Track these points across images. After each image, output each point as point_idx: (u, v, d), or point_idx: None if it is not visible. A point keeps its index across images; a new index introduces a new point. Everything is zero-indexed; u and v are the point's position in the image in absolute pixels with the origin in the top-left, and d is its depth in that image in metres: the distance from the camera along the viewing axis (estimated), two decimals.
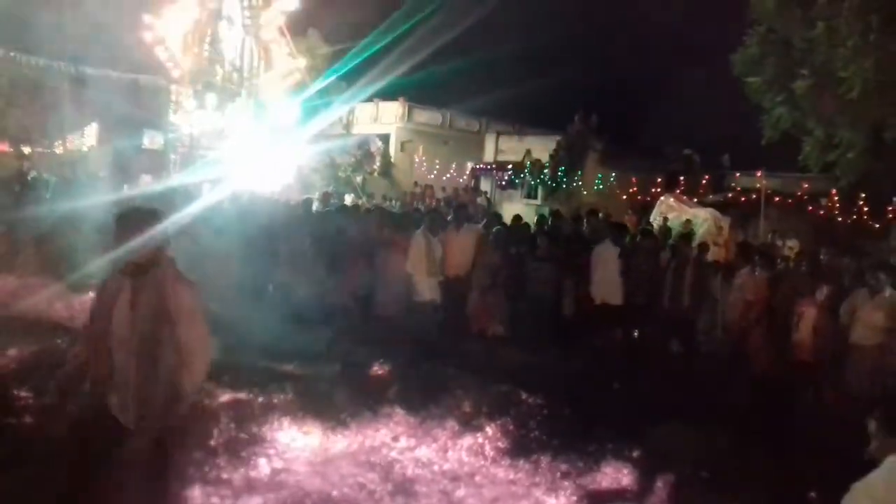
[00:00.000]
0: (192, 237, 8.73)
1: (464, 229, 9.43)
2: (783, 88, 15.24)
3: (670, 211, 15.31)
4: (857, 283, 7.67)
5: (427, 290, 8.53)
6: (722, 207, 15.87)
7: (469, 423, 6.31)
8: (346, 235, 9.90)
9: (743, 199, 17.45)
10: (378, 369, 7.56)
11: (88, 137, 18.40)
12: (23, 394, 5.97)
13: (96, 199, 9.77)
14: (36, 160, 16.56)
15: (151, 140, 18.59)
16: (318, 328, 8.26)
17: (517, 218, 10.51)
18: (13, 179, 11.12)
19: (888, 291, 6.83)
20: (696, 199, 16.58)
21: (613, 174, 19.39)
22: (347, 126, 24.60)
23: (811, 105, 14.65)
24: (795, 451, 6.11)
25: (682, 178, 18.51)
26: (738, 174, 18.96)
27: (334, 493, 5.08)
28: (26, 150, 16.77)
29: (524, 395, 7.07)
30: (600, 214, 12.15)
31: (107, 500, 4.46)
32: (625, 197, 18.78)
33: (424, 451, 5.83)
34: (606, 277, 8.72)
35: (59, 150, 18.31)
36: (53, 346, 7.12)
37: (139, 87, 18.44)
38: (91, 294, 8.07)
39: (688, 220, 13.43)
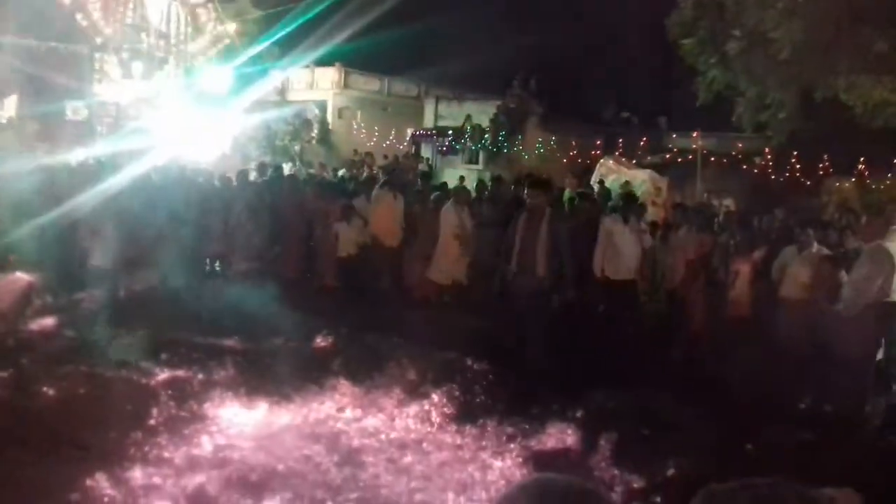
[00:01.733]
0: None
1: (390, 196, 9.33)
2: (716, 50, 15.46)
3: (610, 173, 15.47)
4: (787, 240, 7.88)
5: (457, 265, 8.63)
6: (660, 168, 16.11)
7: (414, 392, 6.30)
8: (284, 206, 9.72)
9: (680, 159, 17.77)
10: (321, 341, 7.47)
11: (7, 109, 17.53)
12: None
13: (17, 172, 9.34)
14: None
15: (75, 111, 17.82)
16: (258, 302, 8.10)
17: (461, 180, 10.47)
18: None
19: (815, 248, 7.02)
20: (634, 161, 16.79)
21: (554, 138, 19.48)
22: (283, 93, 24.04)
23: (743, 66, 14.91)
24: (732, 406, 6.29)
25: (620, 140, 18.72)
26: (674, 135, 19.28)
27: (280, 466, 5.01)
28: None
29: (469, 362, 7.09)
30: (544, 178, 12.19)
31: None
32: (565, 160, 18.90)
33: (370, 421, 5.81)
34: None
35: None
36: None
37: (59, 55, 17.59)
38: (16, 274, 7.79)
39: (626, 182, 13.60)
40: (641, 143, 18.91)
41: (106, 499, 4.43)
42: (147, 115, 17.65)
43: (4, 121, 17.16)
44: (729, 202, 13.54)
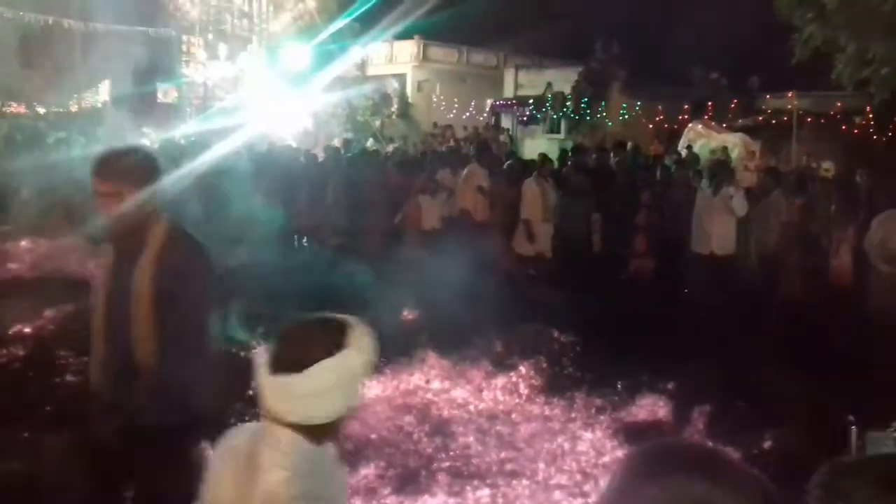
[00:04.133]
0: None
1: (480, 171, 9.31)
2: (814, 4, 14.63)
3: (699, 138, 15.01)
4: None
5: (541, 237, 8.57)
6: (752, 131, 15.51)
7: (502, 363, 6.33)
8: (368, 182, 9.83)
9: (773, 121, 17.00)
10: (409, 315, 7.57)
11: (102, 94, 18.33)
12: (63, 353, 6.07)
13: None
14: (52, 120, 16.58)
15: (165, 94, 18.49)
16: (346, 277, 8.26)
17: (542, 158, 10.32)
18: (32, 141, 11.15)
19: None
20: (724, 125, 16.21)
21: (638, 103, 18.94)
22: (362, 68, 24.22)
23: (843, 20, 14.07)
24: (830, 378, 6.05)
25: (709, 103, 18.05)
26: (767, 96, 18.43)
27: (373, 436, 5.14)
28: (41, 110, 16.79)
29: (557, 334, 7.06)
30: (628, 146, 11.93)
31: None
32: (651, 126, 18.39)
33: (459, 393, 5.88)
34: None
35: (73, 109, 18.29)
36: (89, 306, 7.19)
37: (149, 39, 18.21)
38: None
39: (724, 147, 13.14)
40: (732, 105, 18.17)
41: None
42: (232, 94, 18.12)
43: (100, 105, 17.95)
44: (828, 165, 12.89)
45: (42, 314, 6.84)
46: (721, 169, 8.43)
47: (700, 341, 6.39)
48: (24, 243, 7.54)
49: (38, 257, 7.42)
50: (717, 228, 7.72)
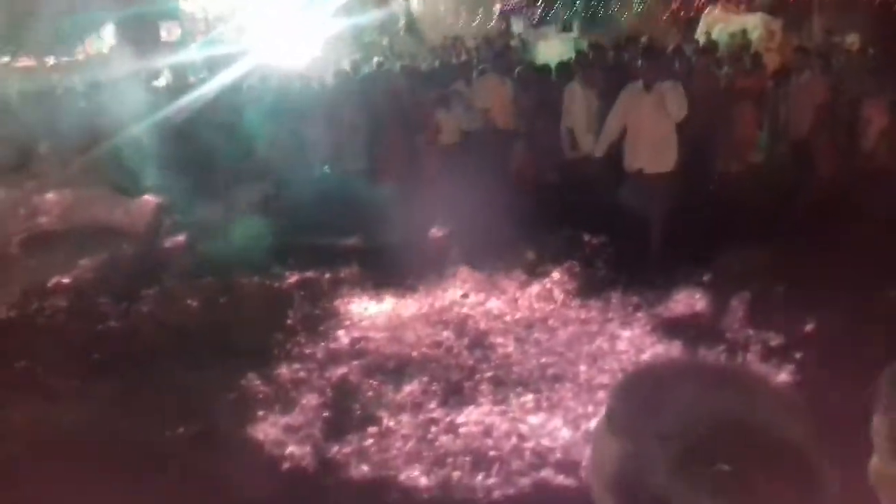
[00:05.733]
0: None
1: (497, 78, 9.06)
2: None
3: (717, 22, 14.47)
4: None
5: (587, 144, 7.99)
6: (773, 10, 14.88)
7: (535, 272, 6.33)
8: (381, 102, 9.67)
9: None
10: (437, 232, 7.57)
11: (106, 38, 18.06)
12: (102, 300, 6.19)
13: (128, 102, 9.68)
14: (62, 69, 16.43)
15: (169, 32, 18.15)
16: (371, 200, 8.24)
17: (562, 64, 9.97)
18: (46, 93, 11.09)
19: None
20: (742, 5, 15.56)
21: None
22: None
23: None
24: (868, 260, 5.96)
25: None
26: None
27: (413, 353, 5.23)
28: (50, 61, 16.62)
29: (587, 238, 7.00)
30: (642, 40, 11.52)
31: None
32: (667, 16, 17.70)
33: (495, 304, 5.92)
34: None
35: (80, 57, 18.10)
36: (122, 253, 7.31)
37: None
38: (144, 197, 8.21)
39: (743, 30, 12.64)
40: None
41: (260, 395, 4.79)
42: (235, 26, 17.77)
43: (105, 51, 17.72)
44: (853, 39, 12.37)
45: (78, 264, 6.94)
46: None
47: (735, 231, 6.30)
48: (50, 196, 7.63)
49: (66, 209, 7.50)
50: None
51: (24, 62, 17.17)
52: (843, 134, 7.53)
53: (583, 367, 4.83)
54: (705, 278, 5.81)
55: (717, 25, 14.34)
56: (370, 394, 4.74)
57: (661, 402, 0.73)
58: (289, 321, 5.75)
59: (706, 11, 15.28)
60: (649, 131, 6.48)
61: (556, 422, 4.26)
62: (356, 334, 5.56)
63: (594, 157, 7.24)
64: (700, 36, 13.61)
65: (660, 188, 6.53)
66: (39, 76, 14.63)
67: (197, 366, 5.04)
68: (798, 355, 4.68)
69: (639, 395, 0.76)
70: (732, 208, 7.10)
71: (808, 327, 5.02)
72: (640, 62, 7.03)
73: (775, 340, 4.93)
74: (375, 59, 13.40)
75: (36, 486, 3.50)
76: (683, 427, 0.70)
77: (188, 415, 4.43)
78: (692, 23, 15.85)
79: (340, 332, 5.58)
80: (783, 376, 4.50)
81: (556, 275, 6.20)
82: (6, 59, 16.99)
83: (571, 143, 8.08)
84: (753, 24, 13.98)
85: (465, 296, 6.09)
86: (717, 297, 5.54)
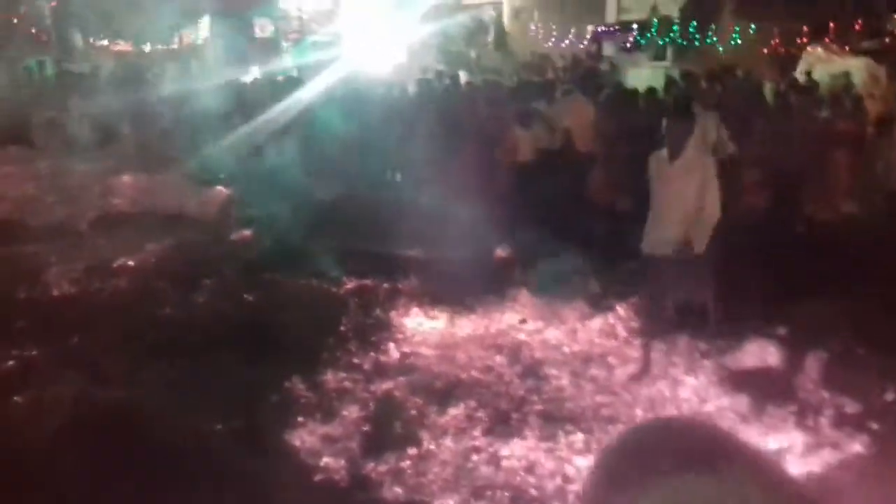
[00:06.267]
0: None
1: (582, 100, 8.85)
2: None
3: (818, 62, 13.87)
4: None
5: None
6: (878, 56, 14.19)
7: (599, 304, 6.06)
8: (460, 114, 9.55)
9: None
10: (502, 252, 7.38)
11: (202, 31, 18.62)
12: (162, 286, 6.23)
13: (216, 93, 9.87)
14: (156, 57, 17.01)
15: (262, 28, 18.58)
16: (439, 212, 8.12)
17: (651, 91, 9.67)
18: (133, 78, 11.45)
19: None
20: (847, 48, 14.90)
21: (753, 26, 17.62)
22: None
23: None
24: None
25: (831, 24, 16.61)
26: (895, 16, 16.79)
27: (463, 375, 5.05)
28: (146, 48, 17.21)
29: None
30: (738, 73, 11.13)
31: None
32: (766, 51, 17.13)
33: (553, 333, 5.69)
34: None
35: (175, 46, 18.71)
36: (188, 241, 7.40)
37: None
38: (217, 188, 8.31)
39: (845, 72, 12.08)
40: (856, 26, 16.66)
41: (303, 400, 4.69)
42: (327, 27, 18.04)
43: (200, 42, 18.25)
44: None
45: (144, 248, 7.04)
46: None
47: (819, 283, 5.89)
48: (125, 178, 7.82)
49: (140, 192, 7.67)
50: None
51: (122, 46, 17.85)
52: None
53: (639, 411, 4.56)
54: (781, 331, 5.42)
55: (818, 65, 13.75)
56: (413, 412, 4.58)
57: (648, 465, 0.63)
58: (341, 327, 5.66)
59: (808, 50, 14.70)
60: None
61: None
62: (407, 349, 5.42)
63: None
64: (800, 75, 13.07)
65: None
66: (133, 61, 15.16)
67: (245, 362, 5.01)
68: (873, 426, 4.29)
69: (628, 456, 0.66)
70: (819, 258, 6.67)
71: (889, 396, 4.61)
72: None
73: (850, 407, 4.54)
74: (460, 73, 13.35)
75: (66, 465, 3.47)
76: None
77: (229, 411, 4.38)
78: (792, 60, 15.27)
79: (391, 345, 5.45)
80: (855, 446, 4.14)
81: (621, 310, 5.91)
82: (104, 42, 17.68)
83: None
84: (857, 67, 13.34)
85: (523, 321, 5.89)
86: (792, 353, 5.14)
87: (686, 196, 5.04)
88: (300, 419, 4.46)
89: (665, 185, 5.15)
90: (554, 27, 21.53)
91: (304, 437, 4.31)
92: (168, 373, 4.77)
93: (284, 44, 18.15)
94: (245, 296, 6.09)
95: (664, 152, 5.17)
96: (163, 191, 7.71)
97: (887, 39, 16.13)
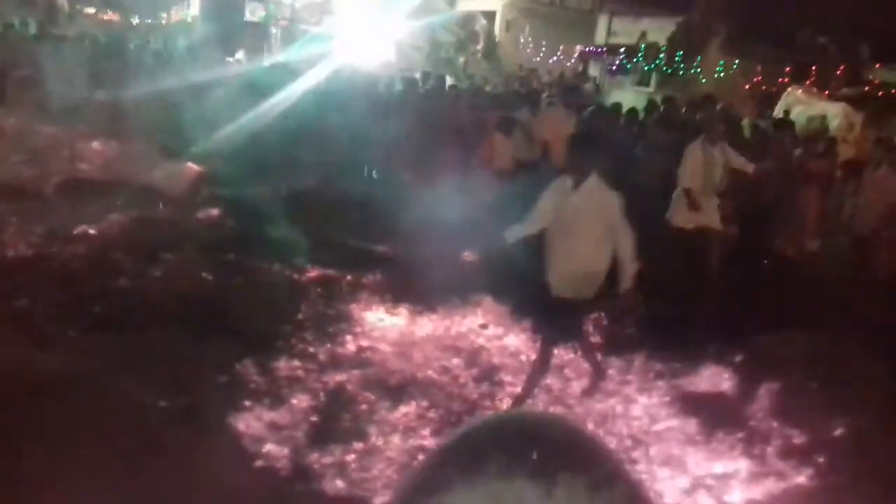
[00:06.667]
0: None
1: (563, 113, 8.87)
2: None
3: (797, 104, 14.11)
4: None
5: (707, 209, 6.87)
6: (856, 103, 14.46)
7: None
8: (441, 116, 9.53)
9: (881, 93, 15.81)
10: (470, 255, 7.35)
11: (192, 8, 18.41)
12: (121, 257, 6.09)
13: (199, 71, 9.72)
14: (143, 30, 16.77)
15: (253, 11, 18.42)
16: (412, 210, 8.07)
17: (631, 111, 9.75)
18: (114, 46, 11.26)
19: None
20: (827, 93, 15.16)
21: (737, 61, 17.88)
22: (451, 2, 23.58)
23: None
24: None
25: (813, 68, 16.90)
26: (878, 65, 17.13)
27: (418, 374, 5.00)
28: (134, 20, 16.96)
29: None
30: (718, 105, 11.24)
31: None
32: (747, 87, 17.36)
33: (512, 341, 5.66)
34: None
35: (164, 22, 18.48)
36: (152, 214, 7.25)
37: None
38: (189, 164, 8.17)
39: (822, 116, 12.28)
40: (838, 72, 16.96)
41: (252, 385, 4.60)
42: (319, 18, 17.93)
43: (189, 19, 18.04)
44: None
45: (107, 217, 6.88)
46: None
47: (781, 315, 5.95)
48: (95, 144, 7.63)
49: (109, 160, 7.49)
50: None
51: (110, 16, 17.58)
52: None
53: (589, 426, 4.54)
54: (737, 359, 5.46)
55: (797, 106, 13.99)
56: (364, 407, 4.52)
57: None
58: (299, 315, 5.57)
59: (788, 91, 14.94)
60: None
61: None
62: (364, 343, 5.35)
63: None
64: (778, 113, 13.28)
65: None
66: (119, 30, 14.91)
67: (197, 340, 4.89)
68: (819, 459, 4.32)
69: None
70: (781, 292, 6.74)
71: (836, 431, 4.65)
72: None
73: (798, 439, 4.57)
74: (445, 76, 13.32)
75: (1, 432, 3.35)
76: None
77: (176, 388, 4.26)
78: (772, 98, 15.50)
79: (348, 338, 5.38)
80: (800, 478, 4.16)
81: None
82: (92, 10, 17.40)
83: (690, 204, 6.91)
84: (834, 112, 13.61)
85: (483, 326, 5.86)
86: (746, 381, 5.19)
87: (585, 233, 4.48)
88: (247, 403, 4.36)
89: (564, 216, 4.50)
90: (544, 43, 21.66)
91: (249, 421, 4.22)
92: (115, 344, 4.64)
93: (273, 30, 18.02)
94: (204, 274, 5.97)
95: (570, 180, 4.56)
96: (133, 161, 7.54)
97: (867, 88, 16.43)
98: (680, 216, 6.89)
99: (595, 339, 5.67)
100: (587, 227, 4.49)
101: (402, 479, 0.65)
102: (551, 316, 4.73)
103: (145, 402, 4.13)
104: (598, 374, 5.03)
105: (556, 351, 4.93)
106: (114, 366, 4.41)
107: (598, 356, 5.16)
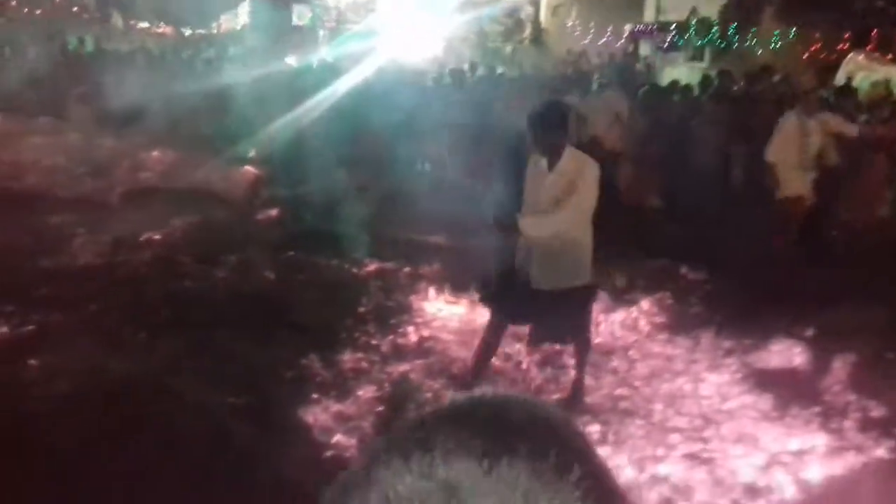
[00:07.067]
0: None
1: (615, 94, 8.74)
2: None
3: (859, 70, 13.57)
4: None
5: (796, 186, 6.64)
6: None
7: (622, 298, 5.95)
8: (489, 106, 9.48)
9: None
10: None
11: (241, 16, 18.75)
12: (186, 260, 6.25)
13: (250, 76, 9.89)
14: (195, 40, 17.17)
15: (300, 16, 18.66)
16: (467, 202, 8.05)
17: (686, 87, 9.52)
18: (172, 56, 11.56)
19: None
20: (890, 57, 14.55)
21: (793, 30, 17.29)
22: None
23: None
24: None
25: (874, 32, 16.23)
26: None
27: None
28: (186, 32, 17.36)
29: (684, 270, 6.58)
30: (775, 75, 10.90)
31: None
32: (806, 56, 16.77)
33: None
34: None
35: (214, 31, 18.87)
36: (214, 218, 7.41)
37: None
38: (246, 168, 8.32)
39: (887, 81, 11.79)
40: None
41: (318, 378, 4.65)
42: (364, 17, 18.05)
43: (239, 28, 18.38)
44: None
45: (170, 223, 7.07)
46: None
47: (851, 287, 5.73)
48: (155, 154, 7.86)
49: (169, 168, 7.70)
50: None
51: (162, 29, 18.05)
52: None
53: (658, 406, 4.46)
54: (809, 332, 5.28)
55: (859, 73, 13.45)
56: (428, 395, 4.52)
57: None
58: (360, 308, 5.62)
59: (849, 58, 14.38)
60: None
61: (620, 459, 3.91)
62: (426, 333, 5.36)
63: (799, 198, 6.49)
64: (840, 81, 12.78)
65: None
66: (174, 43, 15.30)
67: (262, 338, 4.99)
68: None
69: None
70: (852, 263, 6.50)
71: None
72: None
73: (876, 411, 4.40)
74: (494, 66, 13.27)
75: (71, 432, 3.47)
76: None
77: (242, 385, 4.35)
78: (832, 66, 14.95)
79: (410, 328, 5.40)
80: (880, 451, 4.00)
81: (644, 304, 5.81)
82: (145, 24, 17.88)
83: (773, 181, 6.70)
84: None
85: None
86: (820, 355, 5.01)
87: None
88: (314, 396, 4.42)
89: (539, 199, 4.16)
90: (592, 25, 21.33)
91: (317, 413, 4.27)
92: (184, 346, 4.75)
93: (321, 32, 18.23)
94: (266, 273, 6.08)
95: (543, 160, 4.15)
96: (192, 168, 7.74)
97: None
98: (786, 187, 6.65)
99: (659, 314, 5.57)
100: (569, 207, 4.05)
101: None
102: (523, 305, 4.33)
103: (214, 401, 4.22)
104: (577, 394, 4.54)
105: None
106: (182, 366, 4.53)
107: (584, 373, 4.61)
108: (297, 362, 4.77)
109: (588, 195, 4.08)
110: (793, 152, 6.57)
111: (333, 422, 4.21)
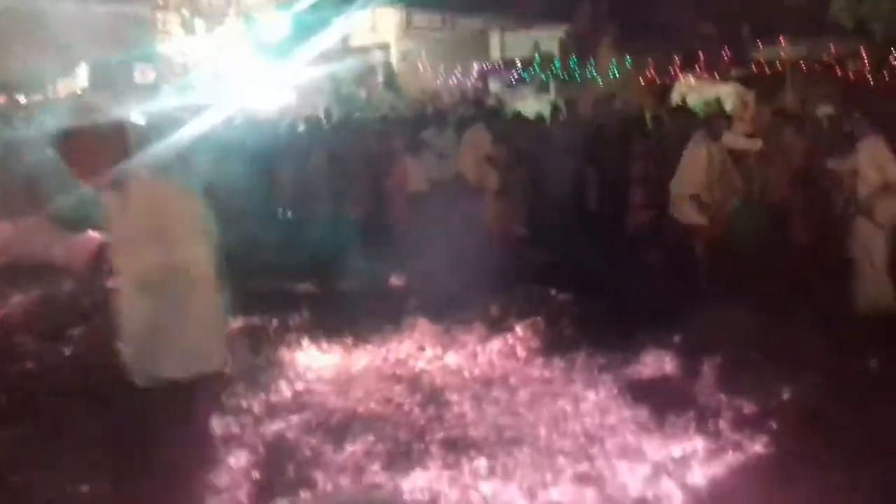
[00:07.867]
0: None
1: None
2: None
3: (691, 91, 14.61)
4: None
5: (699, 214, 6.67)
6: (745, 82, 15.07)
7: (497, 326, 5.96)
8: (350, 147, 9.42)
9: (768, 71, 16.50)
10: (396, 281, 7.20)
11: (80, 78, 17.84)
12: (26, 340, 5.70)
13: None
14: (32, 107, 16.14)
15: (143, 74, 17.97)
16: (331, 246, 7.87)
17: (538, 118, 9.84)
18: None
19: None
20: (717, 76, 15.76)
21: (629, 58, 18.39)
22: (345, 39, 23.60)
23: None
24: (852, 326, 5.71)
25: (700, 54, 17.52)
26: (759, 44, 17.89)
27: (360, 409, 4.78)
28: (22, 99, 16.34)
29: (553, 294, 6.69)
30: (616, 102, 11.53)
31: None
32: (643, 82, 17.85)
33: (452, 359, 5.52)
34: None
35: (52, 97, 17.86)
36: (55, 291, 6.84)
37: (123, 18, 17.68)
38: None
39: (717, 99, 12.71)
40: (724, 56, 17.64)
41: (183, 452, 4.28)
42: (211, 71, 17.65)
43: (79, 91, 17.48)
44: (828, 109, 12.41)
45: (8, 302, 6.46)
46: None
47: (707, 293, 6.01)
48: None
49: (3, 241, 7.05)
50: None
51: None
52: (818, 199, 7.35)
53: (542, 431, 4.41)
54: (676, 340, 5.46)
55: (691, 94, 14.47)
56: (307, 453, 4.27)
57: None
58: (226, 370, 5.27)
59: (680, 80, 15.45)
60: None
61: (511, 490, 3.82)
62: (299, 387, 5.11)
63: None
64: (675, 102, 13.67)
65: None
66: (4, 109, 14.32)
67: (119, 416, 4.55)
68: (774, 424, 4.32)
69: None
70: (709, 272, 6.83)
71: (786, 396, 4.67)
72: None
73: (749, 408, 4.57)
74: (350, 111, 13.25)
75: None
76: None
77: (93, 470, 3.93)
78: (668, 90, 15.97)
79: (282, 384, 5.12)
80: (756, 447, 4.14)
81: (519, 331, 5.83)
82: None
83: (700, 207, 6.70)
84: (727, 93, 14.13)
85: (421, 349, 5.69)
86: (689, 362, 5.18)
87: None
88: (180, 470, 4.05)
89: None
90: (442, 66, 21.85)
91: (183, 490, 3.91)
92: (21, 433, 4.28)
93: (166, 88, 17.63)
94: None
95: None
96: (28, 238, 7.11)
97: (754, 67, 17.11)
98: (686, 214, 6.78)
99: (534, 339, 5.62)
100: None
101: None
102: None
103: (63, 488, 3.81)
104: None
105: None
106: (20, 455, 4.08)
107: None
108: (161, 436, 4.38)
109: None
110: (701, 180, 6.63)
111: (204, 495, 3.88)
